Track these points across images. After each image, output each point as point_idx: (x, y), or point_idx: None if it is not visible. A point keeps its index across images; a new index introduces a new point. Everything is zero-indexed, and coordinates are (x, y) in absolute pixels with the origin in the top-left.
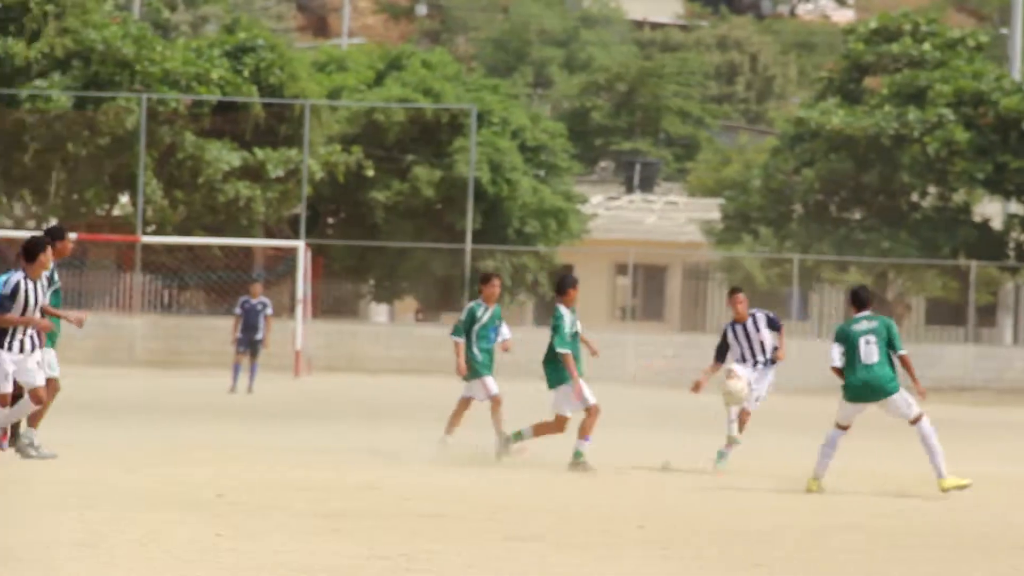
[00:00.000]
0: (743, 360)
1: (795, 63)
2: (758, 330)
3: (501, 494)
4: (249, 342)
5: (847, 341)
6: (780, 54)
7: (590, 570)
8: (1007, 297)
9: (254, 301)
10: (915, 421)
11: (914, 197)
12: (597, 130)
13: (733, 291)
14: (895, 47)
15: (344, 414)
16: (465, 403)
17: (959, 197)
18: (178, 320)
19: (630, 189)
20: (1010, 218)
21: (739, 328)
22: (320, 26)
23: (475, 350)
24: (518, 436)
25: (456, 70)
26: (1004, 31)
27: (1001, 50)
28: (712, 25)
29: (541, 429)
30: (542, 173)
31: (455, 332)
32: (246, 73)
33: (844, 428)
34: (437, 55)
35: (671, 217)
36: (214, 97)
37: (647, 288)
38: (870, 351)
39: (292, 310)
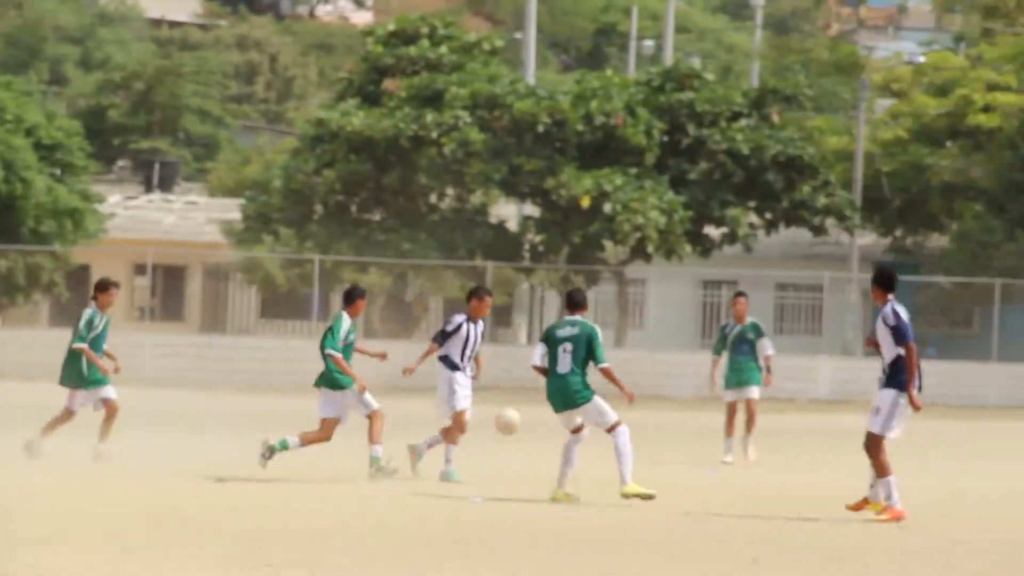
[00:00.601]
0: (462, 359)
1: (315, 64)
2: (482, 337)
3: (13, 496)
4: None
5: (549, 343)
6: (300, 55)
7: (93, 572)
8: (522, 297)
9: None
10: (611, 429)
11: (432, 198)
12: (114, 129)
13: (477, 292)
14: (413, 50)
15: None
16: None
17: (476, 199)
18: None
19: (149, 188)
20: (525, 219)
21: (474, 327)
22: None
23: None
24: (283, 445)
25: None
26: (518, 36)
27: (515, 54)
28: (231, 24)
29: (308, 437)
30: (58, 172)
31: (78, 339)
32: None
33: (575, 432)
34: None
35: (191, 217)
36: None
37: (166, 288)
38: (564, 359)
39: None
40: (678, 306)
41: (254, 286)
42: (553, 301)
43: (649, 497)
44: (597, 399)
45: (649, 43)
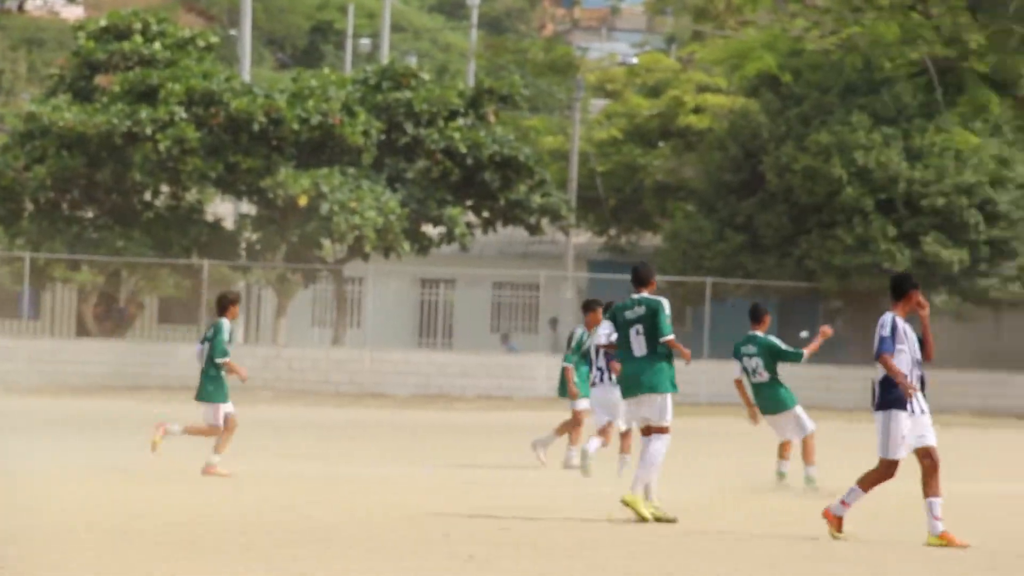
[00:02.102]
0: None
1: (24, 59)
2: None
3: None
4: None
5: (618, 325)
6: (9, 50)
7: None
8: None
9: None
10: (658, 430)
11: (147, 196)
12: None
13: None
14: (126, 45)
15: None
16: None
17: (192, 196)
18: None
19: None
20: (242, 218)
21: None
22: None
23: None
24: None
25: None
26: (233, 32)
27: (231, 51)
28: None
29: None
30: None
31: (222, 354)
32: None
33: (647, 433)
34: None
35: None
36: None
37: None
38: (638, 342)
39: None
40: (396, 304)
41: None
42: (270, 299)
43: (645, 520)
44: (669, 397)
45: (366, 41)
